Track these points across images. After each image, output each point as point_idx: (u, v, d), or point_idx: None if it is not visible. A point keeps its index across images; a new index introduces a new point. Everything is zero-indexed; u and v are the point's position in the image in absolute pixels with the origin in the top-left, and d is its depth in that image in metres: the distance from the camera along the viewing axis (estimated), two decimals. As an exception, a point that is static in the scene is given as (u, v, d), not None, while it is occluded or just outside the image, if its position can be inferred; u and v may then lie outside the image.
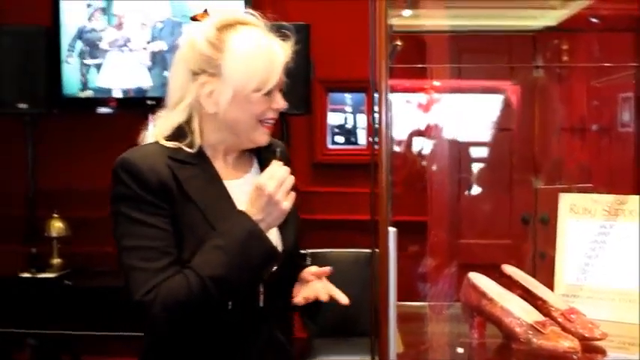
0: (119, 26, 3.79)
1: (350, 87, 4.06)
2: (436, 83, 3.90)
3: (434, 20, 2.10)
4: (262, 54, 1.53)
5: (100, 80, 3.78)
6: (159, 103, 1.62)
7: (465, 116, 4.02)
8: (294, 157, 1.88)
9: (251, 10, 1.59)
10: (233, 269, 1.45)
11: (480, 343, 1.45)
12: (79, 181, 3.86)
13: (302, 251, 1.76)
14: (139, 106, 3.57)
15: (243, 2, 3.63)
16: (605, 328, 1.45)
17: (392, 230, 1.26)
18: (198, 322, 1.51)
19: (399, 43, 1.62)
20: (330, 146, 4.15)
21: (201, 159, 1.57)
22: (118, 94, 3.78)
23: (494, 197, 4.00)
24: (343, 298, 1.59)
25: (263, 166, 1.63)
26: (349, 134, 4.16)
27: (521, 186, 3.69)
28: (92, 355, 3.74)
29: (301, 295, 1.61)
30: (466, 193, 4.09)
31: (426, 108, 4.05)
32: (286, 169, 1.51)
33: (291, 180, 1.50)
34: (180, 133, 1.56)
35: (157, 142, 1.56)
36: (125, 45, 3.79)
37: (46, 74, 3.58)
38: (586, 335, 1.40)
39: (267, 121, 1.56)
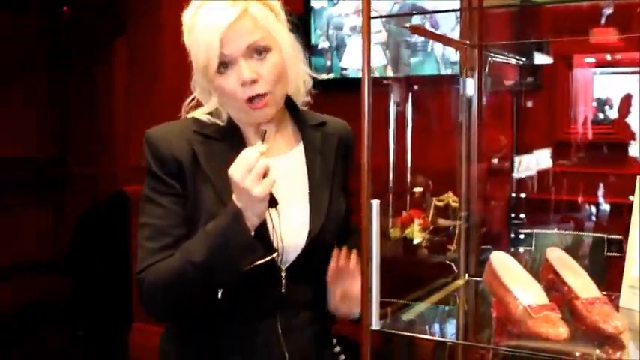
0: (358, 12, 4.11)
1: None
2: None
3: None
4: (198, 30, 1.42)
5: (342, 63, 4.13)
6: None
7: None
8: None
9: None
10: (213, 257, 1.36)
11: (494, 319, 1.43)
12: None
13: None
14: (375, 86, 3.80)
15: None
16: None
17: (375, 202, 1.31)
18: (198, 306, 1.45)
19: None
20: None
21: (231, 134, 1.50)
22: (355, 74, 4.08)
23: None
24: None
25: (307, 142, 1.59)
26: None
27: None
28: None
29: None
30: None
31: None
32: (256, 154, 1.34)
33: (262, 165, 1.33)
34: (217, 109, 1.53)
35: (190, 117, 1.53)
36: (361, 30, 4.09)
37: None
38: (600, 326, 1.32)
39: (250, 98, 1.43)
